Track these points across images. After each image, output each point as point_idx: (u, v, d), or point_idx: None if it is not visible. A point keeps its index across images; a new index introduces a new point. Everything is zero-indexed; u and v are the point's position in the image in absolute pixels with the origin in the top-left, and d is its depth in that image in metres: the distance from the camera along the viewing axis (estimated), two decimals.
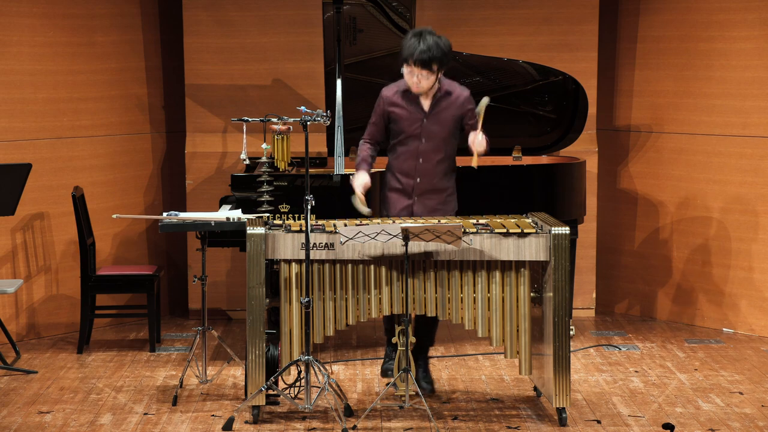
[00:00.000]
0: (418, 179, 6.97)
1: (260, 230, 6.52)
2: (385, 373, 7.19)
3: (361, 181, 6.95)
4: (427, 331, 7.18)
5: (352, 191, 7.04)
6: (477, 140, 6.85)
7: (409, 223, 6.49)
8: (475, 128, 6.91)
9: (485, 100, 6.85)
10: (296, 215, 7.10)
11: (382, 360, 7.90)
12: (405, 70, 6.86)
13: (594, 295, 9.38)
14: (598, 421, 6.68)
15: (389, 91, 7.00)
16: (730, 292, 8.86)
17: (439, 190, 7.02)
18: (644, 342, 8.53)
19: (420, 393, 6.57)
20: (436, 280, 6.62)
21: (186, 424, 6.65)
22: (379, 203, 7.46)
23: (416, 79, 6.81)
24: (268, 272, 6.59)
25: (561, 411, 6.60)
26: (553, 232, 6.53)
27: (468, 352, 8.18)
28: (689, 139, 9.00)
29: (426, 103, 6.94)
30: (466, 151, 7.02)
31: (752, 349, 8.35)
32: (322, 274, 6.61)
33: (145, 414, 6.85)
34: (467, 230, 6.57)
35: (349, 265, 6.61)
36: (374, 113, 7.04)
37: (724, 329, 8.90)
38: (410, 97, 6.94)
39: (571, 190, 8.39)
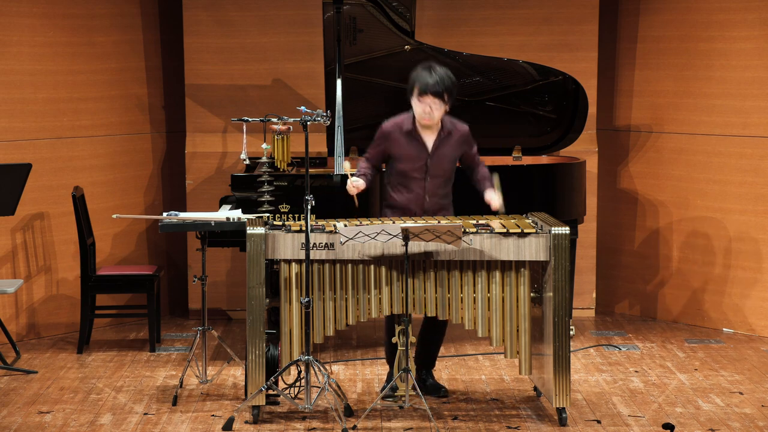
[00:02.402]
0: (426, 213, 7.00)
1: (260, 230, 6.52)
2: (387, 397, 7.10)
3: (357, 180, 6.92)
4: (434, 341, 7.19)
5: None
6: (494, 201, 6.96)
7: (409, 224, 6.49)
8: (484, 175, 7.09)
9: (496, 178, 7.06)
10: (296, 215, 7.10)
11: (383, 360, 7.90)
12: (416, 102, 6.87)
13: (594, 295, 9.38)
14: (598, 421, 6.68)
15: (390, 127, 6.97)
16: (730, 292, 8.86)
17: (443, 209, 7.06)
18: (644, 342, 8.53)
19: (421, 395, 6.56)
20: (436, 280, 6.62)
21: (186, 424, 6.65)
22: (380, 208, 7.46)
23: (429, 109, 6.84)
24: (268, 272, 6.59)
25: (561, 411, 6.60)
26: (553, 232, 6.53)
27: (468, 352, 8.18)
28: (689, 139, 9.01)
29: (429, 141, 6.95)
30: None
31: (752, 349, 8.35)
32: (322, 274, 6.61)
33: (145, 414, 6.85)
34: (467, 230, 6.57)
35: (349, 265, 6.61)
36: (374, 145, 7.00)
37: (724, 329, 8.91)
38: (412, 136, 6.94)
39: (571, 190, 8.39)
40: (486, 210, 7.31)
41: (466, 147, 7.04)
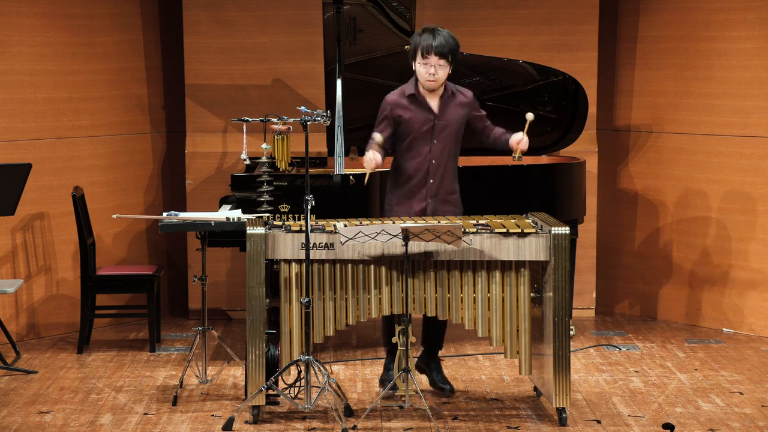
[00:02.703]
0: (431, 180, 6.97)
1: (260, 230, 6.52)
2: (384, 383, 7.16)
3: (376, 155, 6.86)
4: (435, 335, 7.19)
5: (354, 186, 7.02)
6: (524, 140, 6.96)
7: (409, 224, 6.49)
8: (495, 129, 7.07)
9: (530, 115, 7.05)
10: (296, 215, 7.10)
11: (383, 360, 7.90)
12: (419, 64, 6.87)
13: (594, 295, 9.38)
14: (598, 421, 6.68)
15: (393, 96, 7.01)
16: (730, 292, 8.86)
17: (450, 192, 7.04)
18: (644, 342, 8.53)
19: (421, 395, 6.57)
20: (436, 280, 6.62)
21: (186, 424, 6.65)
22: (380, 208, 7.46)
23: (433, 69, 6.84)
24: (268, 272, 6.59)
25: (561, 411, 6.60)
26: (553, 232, 6.53)
27: (468, 352, 8.18)
28: (689, 139, 9.01)
29: (434, 104, 6.95)
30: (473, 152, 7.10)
31: (752, 349, 8.35)
32: (322, 274, 6.61)
33: (145, 414, 6.85)
34: (467, 230, 6.57)
35: (349, 265, 6.61)
36: (380, 120, 7.00)
37: (724, 329, 8.90)
38: (417, 100, 6.95)
39: (571, 190, 8.39)
40: (486, 210, 7.31)
41: (473, 111, 7.02)
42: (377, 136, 6.90)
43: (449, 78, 6.99)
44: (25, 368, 7.80)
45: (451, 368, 7.77)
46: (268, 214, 7.17)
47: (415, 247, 6.57)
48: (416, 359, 7.29)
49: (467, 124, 7.06)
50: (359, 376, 7.61)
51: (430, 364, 7.20)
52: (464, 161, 7.28)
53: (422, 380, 7.25)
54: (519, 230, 6.58)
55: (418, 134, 6.94)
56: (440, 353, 7.34)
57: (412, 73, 6.99)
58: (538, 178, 8.28)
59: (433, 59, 6.83)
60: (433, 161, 6.95)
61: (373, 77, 8.42)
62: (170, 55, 9.33)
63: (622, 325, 9.06)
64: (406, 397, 6.58)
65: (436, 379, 7.16)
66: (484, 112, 7.12)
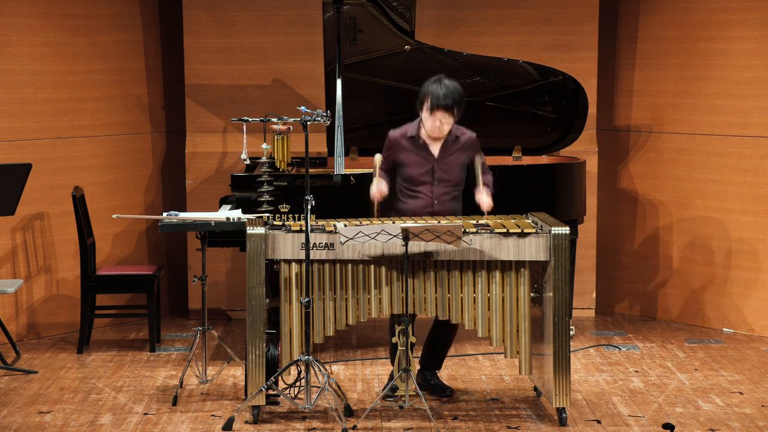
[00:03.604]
0: (436, 218, 7.01)
1: (260, 230, 6.52)
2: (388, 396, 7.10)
3: (381, 184, 6.90)
4: (440, 352, 7.19)
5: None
6: (486, 202, 6.97)
7: (409, 224, 6.49)
8: (484, 182, 7.08)
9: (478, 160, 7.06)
10: (296, 215, 7.10)
11: (383, 360, 7.90)
12: (426, 116, 6.89)
13: (594, 295, 9.38)
14: (598, 421, 6.68)
15: (396, 135, 6.99)
16: (730, 292, 8.86)
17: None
18: (644, 342, 8.53)
19: (421, 395, 6.56)
20: (436, 280, 6.62)
21: (186, 424, 6.65)
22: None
23: (438, 123, 6.86)
24: (268, 272, 6.59)
25: (561, 411, 6.60)
26: (553, 232, 6.53)
27: (468, 352, 8.18)
28: (689, 139, 9.01)
29: (435, 149, 6.96)
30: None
31: (752, 349, 8.35)
32: (322, 274, 6.61)
33: (145, 414, 6.85)
34: (467, 230, 6.57)
35: (349, 265, 6.61)
36: (384, 153, 7.01)
37: (724, 329, 8.91)
38: (417, 144, 6.95)
39: (571, 190, 8.39)
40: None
41: (473, 153, 7.04)
42: (377, 157, 6.91)
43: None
44: (25, 368, 7.80)
45: (451, 368, 7.77)
46: (268, 214, 7.17)
47: (415, 247, 6.57)
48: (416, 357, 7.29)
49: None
50: (359, 376, 7.61)
51: (427, 378, 7.19)
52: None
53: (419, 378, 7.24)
54: (519, 230, 6.58)
55: (418, 178, 6.95)
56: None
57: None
58: (538, 178, 8.28)
59: (439, 114, 6.85)
60: (436, 202, 6.97)
61: (373, 77, 8.42)
62: (170, 55, 9.33)
63: (622, 325, 9.06)
64: (406, 397, 6.58)
65: (437, 386, 7.16)
66: (484, 158, 7.09)
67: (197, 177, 9.19)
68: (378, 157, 6.96)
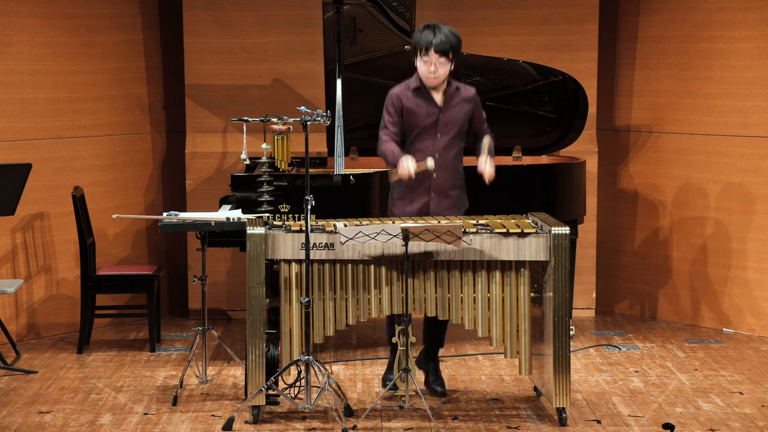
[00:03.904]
0: (434, 175, 6.96)
1: (260, 230, 6.52)
2: (386, 383, 7.15)
3: (408, 164, 6.81)
4: (436, 333, 7.19)
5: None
6: (488, 171, 6.92)
7: (409, 223, 6.49)
8: (482, 132, 7.05)
9: (487, 139, 7.03)
10: (296, 215, 7.10)
11: (383, 360, 7.90)
12: (420, 61, 6.88)
13: (594, 295, 9.38)
14: (598, 421, 6.68)
15: (399, 89, 7.00)
16: (730, 292, 8.86)
17: (454, 187, 7.03)
18: (644, 342, 8.53)
19: (421, 395, 6.57)
20: (436, 280, 6.62)
21: (186, 424, 6.65)
22: (383, 205, 7.45)
23: (434, 67, 6.84)
24: (268, 272, 6.59)
25: (561, 411, 6.60)
26: (553, 232, 6.53)
27: (468, 352, 8.18)
28: (689, 139, 9.01)
29: (438, 98, 6.96)
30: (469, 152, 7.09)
31: (752, 349, 8.35)
32: (322, 274, 6.61)
33: (145, 414, 6.85)
34: (467, 230, 6.57)
35: (349, 265, 6.61)
36: (387, 112, 6.96)
37: (724, 329, 8.90)
38: (421, 93, 6.95)
39: (571, 190, 8.39)
40: (486, 210, 7.31)
41: (474, 108, 7.02)
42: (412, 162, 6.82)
43: (452, 74, 7.00)
44: (25, 368, 7.80)
45: (451, 368, 7.77)
46: (268, 214, 7.17)
47: (415, 247, 6.57)
48: (415, 357, 7.29)
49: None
50: (359, 376, 7.61)
51: (428, 362, 7.20)
52: (464, 161, 7.27)
53: (419, 377, 7.24)
54: (519, 230, 6.58)
55: (422, 127, 6.93)
56: (440, 353, 7.34)
57: (412, 72, 6.99)
58: (538, 178, 8.28)
59: (434, 57, 6.84)
60: (437, 155, 6.94)
61: (373, 77, 8.42)
62: (170, 55, 9.33)
63: (622, 325, 9.06)
64: (406, 397, 6.58)
65: (431, 380, 7.16)
66: (484, 115, 7.11)
67: (197, 177, 9.19)
68: (412, 166, 6.84)
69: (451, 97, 6.97)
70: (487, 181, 6.92)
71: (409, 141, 6.97)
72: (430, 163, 6.82)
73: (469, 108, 7.01)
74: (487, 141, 7.01)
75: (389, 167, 6.90)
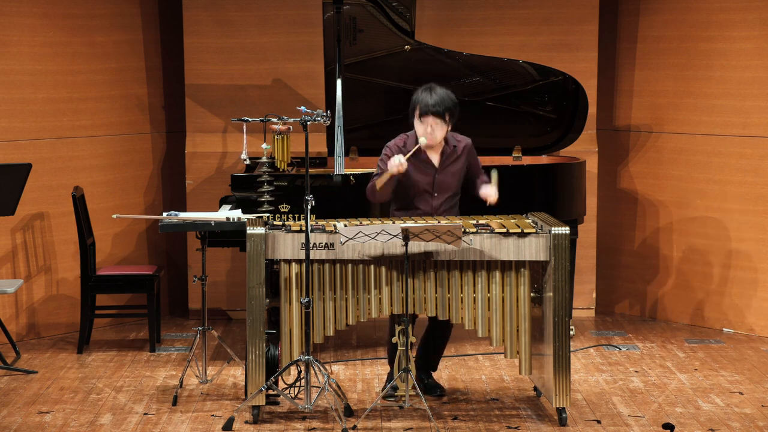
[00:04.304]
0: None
1: (260, 230, 6.52)
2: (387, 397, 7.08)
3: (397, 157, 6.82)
4: (434, 355, 7.18)
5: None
6: (493, 195, 6.96)
7: (409, 224, 6.49)
8: (483, 181, 7.08)
9: (495, 173, 7.05)
10: (296, 215, 7.10)
11: (383, 360, 7.90)
12: (417, 123, 6.89)
13: (594, 295, 9.38)
14: (598, 421, 6.68)
15: (395, 145, 6.98)
16: (730, 292, 8.86)
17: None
18: (644, 342, 8.53)
19: (421, 395, 6.56)
20: (436, 280, 6.62)
21: (186, 424, 6.65)
22: (383, 205, 7.44)
23: (430, 129, 6.86)
24: (268, 272, 6.59)
25: (561, 411, 6.60)
26: (553, 232, 6.53)
27: (468, 352, 8.18)
28: (689, 139, 9.01)
29: (435, 159, 6.96)
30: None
31: (752, 349, 8.35)
32: (322, 274, 6.61)
33: (145, 414, 6.85)
34: (467, 230, 6.57)
35: (349, 265, 6.61)
36: (382, 161, 6.93)
37: (724, 329, 8.90)
38: (418, 156, 6.94)
39: (571, 190, 8.40)
40: (486, 210, 7.31)
41: (470, 158, 7.05)
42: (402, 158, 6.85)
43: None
44: (25, 368, 7.80)
45: (451, 368, 7.77)
46: (268, 214, 7.17)
47: (415, 247, 6.57)
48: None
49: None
50: (359, 376, 7.61)
51: (422, 377, 7.19)
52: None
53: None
54: (519, 230, 6.58)
55: (420, 188, 6.94)
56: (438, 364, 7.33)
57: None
58: (538, 178, 8.28)
59: (430, 119, 6.85)
60: (435, 215, 6.97)
61: (373, 77, 8.42)
62: (170, 55, 9.33)
63: (622, 325, 9.06)
64: (406, 397, 6.58)
65: (431, 386, 7.16)
66: (479, 161, 7.10)
67: (197, 177, 9.19)
68: (423, 141, 6.87)
69: (448, 156, 6.97)
70: (491, 202, 6.94)
71: (405, 198, 6.97)
72: (422, 140, 6.85)
73: (464, 162, 7.03)
74: (494, 175, 7.03)
75: (378, 184, 6.87)
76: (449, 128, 6.95)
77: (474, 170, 7.10)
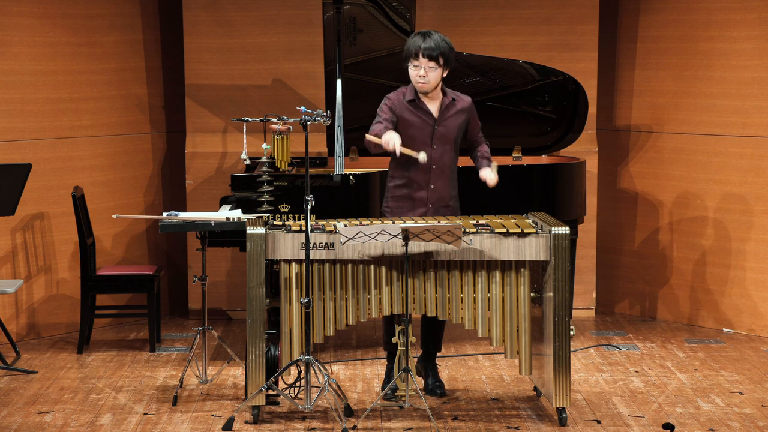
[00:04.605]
0: (432, 186, 6.96)
1: (260, 230, 6.52)
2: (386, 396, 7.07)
3: (394, 137, 6.77)
4: (433, 338, 7.19)
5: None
6: (491, 178, 6.97)
7: (409, 224, 6.49)
8: (484, 154, 7.10)
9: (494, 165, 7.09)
10: (296, 215, 7.10)
11: (383, 360, 7.90)
12: (411, 66, 6.87)
13: (594, 295, 9.38)
14: (598, 421, 6.68)
15: (395, 96, 6.98)
16: (730, 292, 8.86)
17: (450, 197, 7.03)
18: (644, 342, 8.53)
19: (421, 395, 6.56)
20: (436, 280, 6.62)
21: (186, 424, 6.65)
22: (379, 208, 7.45)
23: (423, 71, 6.82)
24: (268, 272, 6.59)
25: (561, 411, 6.60)
26: (553, 232, 6.53)
27: (468, 352, 8.18)
28: (689, 139, 9.00)
29: (434, 110, 6.95)
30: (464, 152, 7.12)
31: (752, 349, 8.35)
32: (322, 274, 6.61)
33: (145, 414, 6.85)
34: (467, 230, 6.57)
35: (349, 265, 6.61)
36: (383, 111, 6.94)
37: (724, 329, 8.90)
38: (417, 105, 6.94)
39: (571, 190, 8.39)
40: (486, 210, 7.31)
41: (470, 117, 7.02)
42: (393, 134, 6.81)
43: (447, 83, 6.99)
44: (25, 368, 7.80)
45: (451, 368, 7.77)
46: (268, 214, 7.17)
47: (415, 247, 6.57)
48: (415, 359, 7.29)
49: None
50: (359, 376, 7.61)
51: (426, 367, 7.19)
52: (464, 161, 7.27)
53: (419, 381, 7.25)
54: (519, 230, 6.58)
55: (418, 139, 6.92)
56: (440, 353, 7.33)
57: (407, 40, 6.96)
58: (538, 178, 8.28)
59: (423, 61, 6.83)
60: (434, 167, 6.94)
61: (373, 77, 8.42)
62: (170, 55, 9.33)
63: (622, 325, 9.06)
64: (406, 397, 6.58)
65: (431, 384, 7.16)
66: (479, 124, 7.11)
67: (197, 177, 9.19)
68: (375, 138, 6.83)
69: (446, 109, 6.96)
70: (491, 185, 6.94)
71: (404, 157, 6.96)
72: (423, 156, 6.82)
73: (464, 118, 7.01)
74: (494, 165, 7.04)
75: (371, 142, 6.81)
76: (444, 74, 6.91)
77: (473, 132, 7.07)
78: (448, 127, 6.96)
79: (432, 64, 6.82)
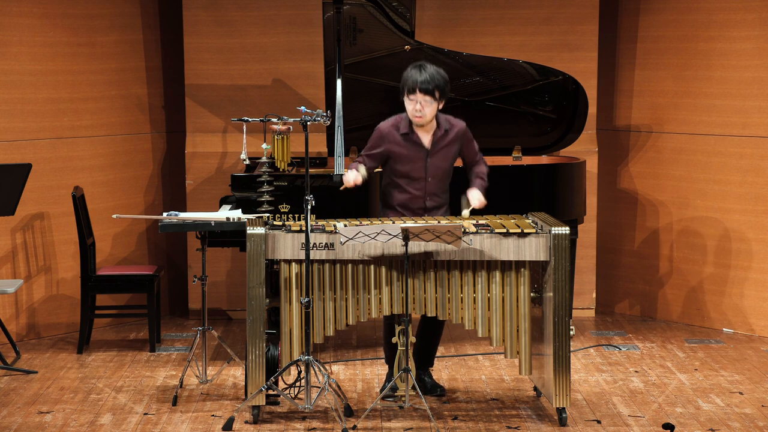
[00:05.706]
0: (428, 213, 6.99)
1: (260, 230, 6.52)
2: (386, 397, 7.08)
3: (357, 176, 6.86)
4: (432, 340, 7.18)
5: (359, 189, 7.03)
6: (476, 200, 6.96)
7: (409, 224, 6.49)
8: (479, 174, 7.08)
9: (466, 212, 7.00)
10: (296, 215, 7.10)
11: (383, 360, 7.90)
12: (406, 101, 6.87)
13: (594, 295, 9.38)
14: (598, 421, 6.69)
15: (387, 128, 6.95)
16: (729, 292, 8.86)
17: (442, 205, 7.05)
18: (644, 342, 8.53)
19: (421, 395, 6.56)
20: (436, 280, 6.62)
21: (186, 424, 6.65)
22: (379, 208, 7.45)
23: (419, 106, 6.82)
24: (268, 272, 6.59)
25: (561, 411, 6.60)
26: (553, 232, 6.53)
27: (468, 352, 8.19)
28: (689, 139, 9.01)
29: (426, 141, 6.94)
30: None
31: (752, 349, 8.35)
32: (322, 274, 6.61)
33: (145, 414, 6.85)
34: (467, 230, 6.57)
35: (349, 265, 6.61)
36: (371, 146, 6.94)
37: (724, 329, 8.91)
38: (410, 138, 6.92)
39: (571, 190, 8.40)
40: (486, 210, 7.31)
41: (464, 143, 7.02)
42: (362, 169, 6.87)
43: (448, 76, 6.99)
44: (25, 368, 7.80)
45: (451, 368, 7.77)
46: (268, 214, 7.17)
47: (415, 247, 6.57)
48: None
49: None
50: (359, 376, 7.61)
51: (420, 375, 7.19)
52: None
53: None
54: (519, 230, 6.58)
55: (412, 173, 6.93)
56: (440, 353, 7.34)
57: (403, 72, 6.97)
58: (538, 178, 8.28)
59: (419, 96, 6.83)
60: (427, 198, 6.96)
61: (373, 77, 8.42)
62: (170, 55, 9.34)
63: (622, 325, 9.06)
64: (406, 397, 6.58)
65: (430, 387, 7.16)
66: (476, 146, 7.09)
67: (197, 177, 9.19)
68: (362, 168, 6.86)
69: (439, 139, 6.95)
70: (474, 206, 6.94)
71: (397, 179, 6.96)
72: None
73: (457, 147, 7.00)
74: (483, 170, 7.05)
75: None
76: (439, 107, 6.91)
77: (469, 156, 7.07)
78: (440, 158, 6.96)
79: (428, 98, 6.82)
